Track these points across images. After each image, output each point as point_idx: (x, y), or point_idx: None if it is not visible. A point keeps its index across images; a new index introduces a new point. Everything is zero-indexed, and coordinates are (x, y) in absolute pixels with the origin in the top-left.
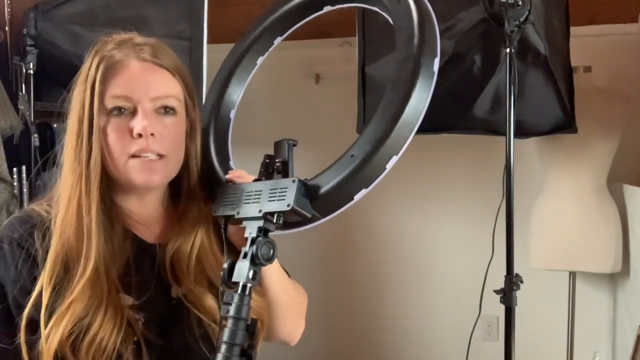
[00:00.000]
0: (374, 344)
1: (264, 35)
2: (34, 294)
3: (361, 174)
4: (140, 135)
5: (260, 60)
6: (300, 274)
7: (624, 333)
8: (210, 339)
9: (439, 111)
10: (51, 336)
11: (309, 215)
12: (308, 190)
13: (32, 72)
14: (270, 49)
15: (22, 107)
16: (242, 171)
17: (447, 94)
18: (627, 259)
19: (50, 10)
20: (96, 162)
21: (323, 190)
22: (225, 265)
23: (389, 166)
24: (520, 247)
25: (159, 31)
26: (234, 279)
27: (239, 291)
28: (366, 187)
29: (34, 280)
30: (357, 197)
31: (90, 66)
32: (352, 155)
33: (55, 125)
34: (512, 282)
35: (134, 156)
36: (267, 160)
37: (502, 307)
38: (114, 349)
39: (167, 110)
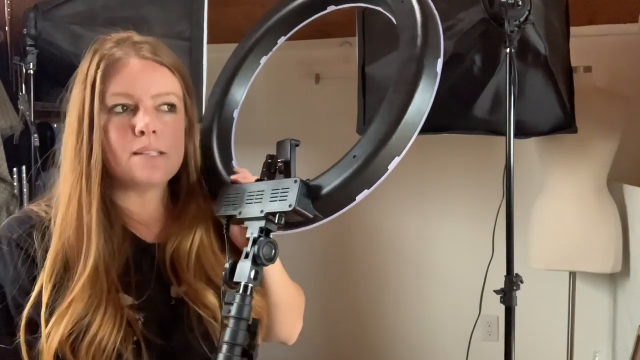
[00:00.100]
0: (373, 344)
1: (268, 35)
2: (34, 293)
3: (363, 174)
4: (142, 133)
5: (263, 59)
6: (300, 274)
7: (624, 333)
8: (210, 337)
9: (439, 111)
10: (51, 335)
11: (311, 216)
12: (310, 191)
13: (32, 72)
14: (274, 49)
15: (22, 107)
16: (246, 171)
17: (447, 94)
18: (627, 259)
19: (50, 10)
20: (97, 161)
21: (325, 190)
22: (227, 265)
23: (391, 167)
24: (520, 247)
25: (159, 31)
26: (235, 279)
27: (241, 291)
28: (368, 188)
29: (33, 280)
30: (359, 198)
31: (90, 65)
32: (354, 156)
33: (55, 125)
34: (512, 282)
35: (135, 153)
36: (270, 160)
37: (502, 307)
38: (114, 349)
39: (168, 107)
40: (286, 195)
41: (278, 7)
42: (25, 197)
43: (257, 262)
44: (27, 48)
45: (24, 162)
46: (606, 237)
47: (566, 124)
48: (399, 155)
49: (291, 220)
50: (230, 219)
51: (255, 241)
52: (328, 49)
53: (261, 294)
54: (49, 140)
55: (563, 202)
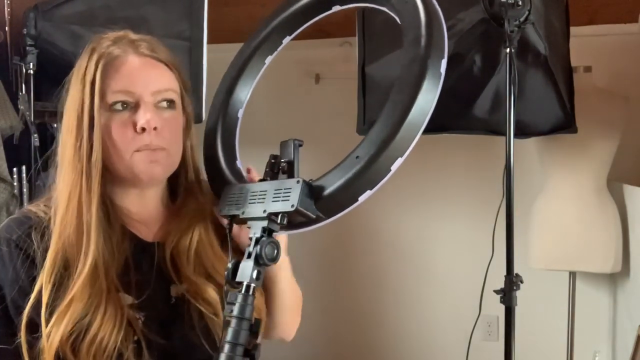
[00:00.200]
0: (373, 344)
1: (273, 35)
2: (34, 293)
3: (366, 175)
4: (143, 130)
5: (269, 59)
6: (300, 274)
7: (624, 333)
8: (212, 335)
9: (439, 111)
10: (52, 335)
11: (313, 216)
12: (312, 191)
13: (32, 72)
14: (279, 49)
15: (22, 107)
16: (255, 172)
17: (447, 94)
18: (627, 259)
19: (50, 10)
20: (97, 159)
21: (327, 191)
22: (230, 265)
23: (393, 168)
24: (520, 247)
25: (159, 31)
26: (237, 279)
27: (243, 291)
28: (371, 189)
29: (32, 281)
30: (361, 199)
31: (88, 64)
32: (357, 157)
33: (55, 125)
34: (512, 282)
35: (137, 151)
36: (273, 160)
37: (502, 307)
38: (115, 348)
39: (167, 103)
40: (289, 196)
41: (283, 6)
42: (25, 197)
43: (260, 262)
44: (27, 48)
45: (24, 162)
46: (606, 237)
47: (566, 124)
48: (402, 156)
49: (294, 220)
50: (234, 218)
51: (257, 241)
52: (328, 49)
53: (259, 293)
54: (49, 140)
55: (563, 202)
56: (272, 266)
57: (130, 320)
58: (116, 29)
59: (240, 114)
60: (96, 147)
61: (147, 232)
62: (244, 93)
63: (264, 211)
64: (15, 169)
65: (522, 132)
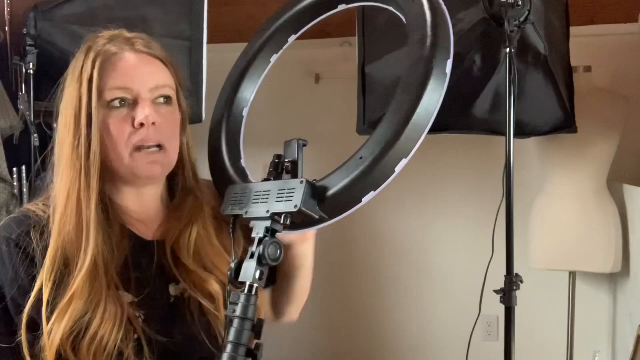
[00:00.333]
0: (374, 344)
1: (279, 34)
2: (34, 292)
3: (370, 176)
4: (142, 125)
5: (274, 58)
6: None
7: (624, 333)
8: (213, 332)
9: (439, 111)
10: (54, 332)
11: (317, 217)
12: (316, 192)
13: (32, 72)
14: (285, 47)
15: (22, 107)
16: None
17: (447, 94)
18: (627, 259)
19: (50, 10)
20: (96, 156)
21: (331, 192)
22: (233, 265)
23: (398, 169)
24: (520, 247)
25: (159, 31)
26: (240, 279)
27: (246, 291)
28: (375, 190)
29: (32, 279)
30: (365, 200)
31: (85, 62)
32: (360, 157)
33: (55, 125)
34: (512, 282)
35: (136, 149)
36: (277, 160)
37: (502, 307)
38: (115, 347)
39: (164, 99)
40: (292, 196)
41: (289, 5)
42: (25, 197)
43: (262, 263)
44: (27, 48)
45: (24, 162)
46: (606, 237)
47: (566, 124)
48: (406, 157)
49: (297, 221)
50: (237, 218)
51: (260, 241)
52: (328, 49)
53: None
54: (49, 140)
55: (563, 202)
56: (301, 254)
57: (130, 318)
58: (111, 28)
59: (245, 112)
60: (94, 144)
61: (147, 231)
62: (249, 92)
63: (267, 211)
64: (15, 169)
65: (522, 132)
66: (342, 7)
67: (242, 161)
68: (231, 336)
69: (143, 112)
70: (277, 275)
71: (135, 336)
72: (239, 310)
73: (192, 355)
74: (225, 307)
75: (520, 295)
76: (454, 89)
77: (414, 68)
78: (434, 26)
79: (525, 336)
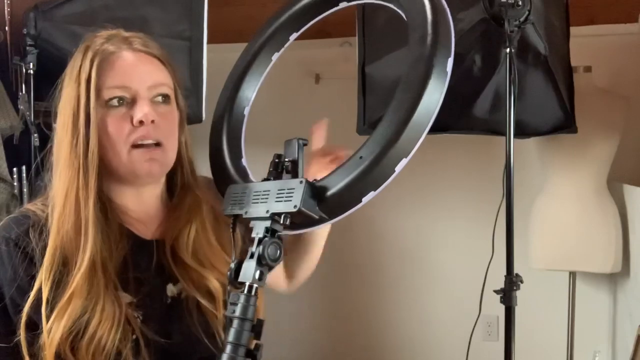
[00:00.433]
0: (373, 344)
1: (280, 32)
2: (33, 291)
3: (370, 176)
4: (141, 123)
5: (275, 56)
6: None
7: (624, 333)
8: (211, 331)
9: (439, 111)
10: (53, 330)
11: (316, 217)
12: (316, 192)
13: (32, 72)
14: (286, 46)
15: (22, 107)
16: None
17: (447, 93)
18: (627, 259)
19: (50, 10)
20: (94, 155)
21: (331, 192)
22: (232, 266)
23: (398, 169)
24: (520, 247)
25: (159, 31)
26: (240, 280)
27: (245, 292)
28: (375, 190)
29: (31, 279)
30: (365, 200)
31: (83, 61)
32: (360, 157)
33: (54, 125)
34: (512, 282)
35: (135, 146)
36: (276, 160)
37: (502, 307)
38: (113, 347)
39: (162, 98)
40: (291, 196)
41: (290, 3)
42: (25, 197)
43: (262, 263)
44: (27, 48)
45: (24, 162)
46: (606, 237)
47: (566, 124)
48: (406, 157)
49: (297, 221)
50: (237, 218)
51: (260, 241)
52: (328, 49)
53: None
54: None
55: (563, 202)
56: (318, 233)
57: (128, 318)
58: (109, 28)
59: (246, 111)
60: (92, 143)
61: (146, 230)
62: (250, 90)
63: (267, 211)
64: (15, 169)
65: (522, 132)
66: (343, 4)
67: (243, 160)
68: (230, 337)
69: (142, 110)
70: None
71: (134, 336)
72: (238, 310)
73: (190, 355)
74: (225, 306)
75: (520, 295)
76: (454, 88)
77: (414, 67)
78: (435, 24)
79: (525, 336)
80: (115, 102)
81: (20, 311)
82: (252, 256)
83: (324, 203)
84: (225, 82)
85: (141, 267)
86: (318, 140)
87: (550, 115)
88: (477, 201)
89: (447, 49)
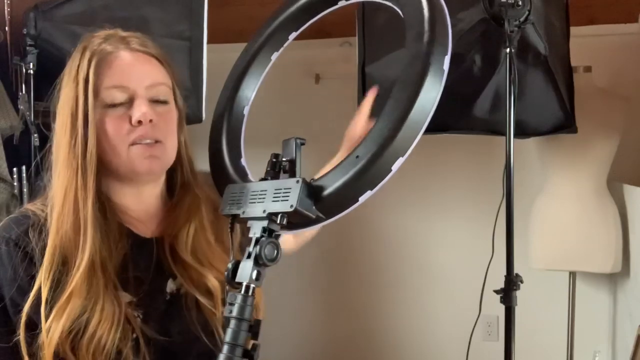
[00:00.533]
0: (374, 344)
1: (279, 31)
2: (33, 291)
3: (366, 175)
4: (139, 123)
5: (274, 56)
6: (300, 275)
7: (624, 333)
8: (210, 329)
9: (439, 111)
10: (52, 330)
11: (313, 217)
12: (312, 191)
13: (32, 72)
14: (285, 45)
15: (22, 107)
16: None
17: (447, 93)
18: (627, 259)
19: (50, 10)
20: (92, 155)
21: (327, 191)
22: (230, 266)
23: (394, 168)
24: (520, 247)
25: (159, 31)
26: (237, 280)
27: (243, 292)
28: (371, 189)
29: (31, 279)
30: (362, 199)
31: (81, 62)
32: (357, 156)
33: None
34: (512, 282)
35: (133, 144)
36: (274, 159)
37: (502, 307)
38: (114, 346)
39: (161, 97)
40: (288, 196)
41: (289, 2)
42: (25, 197)
43: (259, 263)
44: (27, 48)
45: (24, 162)
46: (606, 237)
47: (566, 124)
48: (403, 156)
49: (294, 220)
50: (235, 218)
51: (257, 241)
52: (328, 49)
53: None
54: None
55: (563, 202)
56: None
57: (128, 318)
58: (106, 28)
59: (246, 111)
60: (91, 143)
61: (145, 229)
62: (250, 90)
63: (264, 211)
64: (15, 169)
65: (522, 132)
66: (341, 3)
67: (243, 160)
68: (227, 337)
69: (140, 110)
70: None
71: (134, 335)
72: (235, 310)
73: (189, 352)
74: (224, 304)
75: (520, 295)
76: (454, 89)
77: (410, 65)
78: (432, 22)
79: (525, 336)
80: (113, 102)
81: (20, 311)
82: (249, 256)
83: (321, 202)
84: (225, 82)
85: (141, 266)
86: (367, 105)
87: (550, 115)
88: (477, 201)
89: (444, 46)
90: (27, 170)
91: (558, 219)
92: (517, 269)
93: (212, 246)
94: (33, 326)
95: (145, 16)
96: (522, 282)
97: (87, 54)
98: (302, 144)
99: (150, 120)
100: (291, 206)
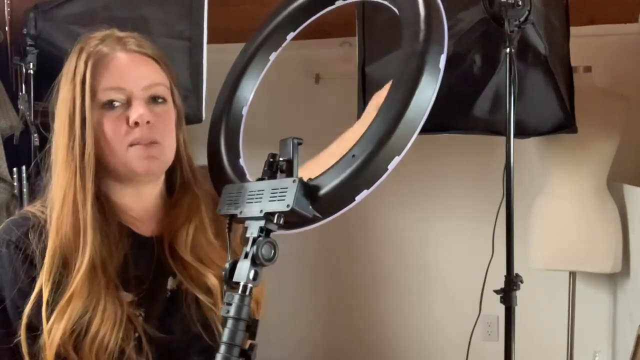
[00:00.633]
0: (374, 344)
1: (277, 31)
2: (34, 293)
3: (362, 174)
4: (136, 124)
5: (273, 56)
6: (299, 274)
7: (624, 333)
8: (210, 326)
9: (439, 111)
10: (53, 331)
11: (310, 216)
12: (309, 191)
13: (32, 72)
14: (283, 45)
15: (22, 107)
16: None
17: (447, 94)
18: (627, 259)
19: (50, 10)
20: (90, 157)
21: (324, 190)
22: (227, 265)
23: (390, 167)
24: (520, 247)
25: (159, 31)
26: (234, 279)
27: (240, 291)
28: (367, 188)
29: (32, 281)
30: (358, 198)
31: (78, 63)
32: (353, 155)
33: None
34: (512, 282)
35: (131, 145)
36: (271, 159)
37: (502, 307)
38: (116, 345)
39: (158, 99)
40: (285, 195)
41: (287, 2)
42: (25, 197)
43: (256, 262)
44: (27, 48)
45: (24, 162)
46: (606, 237)
47: (566, 124)
48: (399, 155)
49: (291, 220)
50: (232, 218)
51: (254, 241)
52: (328, 49)
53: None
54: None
55: (563, 202)
56: None
57: (130, 317)
58: (103, 28)
59: (244, 111)
60: (89, 145)
61: (145, 228)
62: (248, 90)
63: (261, 211)
64: (15, 169)
65: (522, 132)
66: (339, 3)
67: (241, 160)
68: (225, 337)
69: (137, 111)
70: None
71: (136, 334)
72: (232, 310)
73: (190, 349)
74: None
75: (520, 295)
76: (454, 89)
77: (406, 64)
78: (428, 21)
79: (525, 336)
80: (110, 104)
81: (21, 313)
82: (246, 256)
83: (318, 202)
84: (223, 82)
85: (141, 266)
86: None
87: (550, 115)
88: (477, 201)
89: (440, 45)
90: (27, 170)
91: (558, 219)
92: (517, 269)
93: (213, 244)
94: (34, 328)
95: (145, 16)
96: (522, 282)
97: (84, 56)
98: (299, 144)
99: (148, 122)
100: (287, 206)
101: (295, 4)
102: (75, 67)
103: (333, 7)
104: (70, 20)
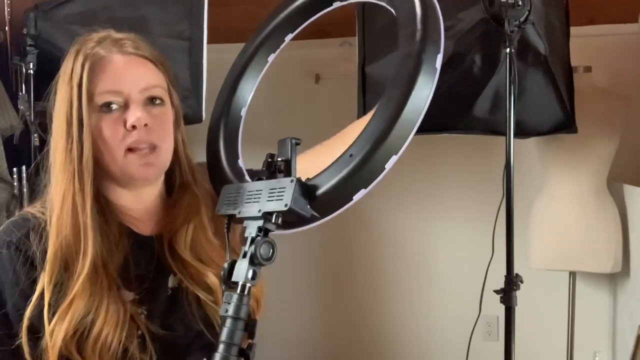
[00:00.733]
0: (373, 344)
1: (275, 33)
2: (35, 295)
3: (360, 174)
4: (134, 127)
5: (271, 57)
6: (299, 274)
7: (624, 333)
8: (212, 323)
9: (439, 111)
10: (55, 332)
11: (308, 216)
12: (306, 190)
13: (32, 72)
14: (282, 46)
15: (22, 107)
16: None
17: (447, 94)
18: (627, 259)
19: (50, 10)
20: (88, 159)
21: (321, 190)
22: (226, 265)
23: (388, 166)
24: (520, 247)
25: (159, 31)
26: (233, 279)
27: (238, 291)
28: (365, 188)
29: (32, 283)
30: (356, 198)
31: (74, 65)
32: (350, 155)
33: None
34: (512, 282)
35: (130, 150)
36: (270, 159)
37: (502, 307)
38: (120, 344)
39: (155, 100)
40: (282, 195)
41: (285, 4)
42: (25, 197)
43: (255, 262)
44: (27, 48)
45: (24, 162)
46: (606, 237)
47: (566, 124)
48: (396, 154)
49: (289, 219)
50: (231, 218)
51: (253, 240)
52: (328, 49)
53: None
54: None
55: (563, 202)
56: None
57: (133, 315)
58: (100, 30)
59: (243, 112)
60: (87, 148)
61: (145, 227)
62: (247, 91)
63: (259, 211)
64: (15, 169)
65: (522, 132)
66: (337, 4)
67: (240, 161)
68: (223, 336)
69: (134, 114)
70: None
71: (139, 332)
72: (231, 309)
73: (192, 346)
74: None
75: (520, 295)
76: (454, 89)
77: (403, 63)
78: (424, 20)
79: (525, 336)
80: (107, 106)
81: (22, 314)
82: (244, 255)
83: (315, 201)
84: (222, 84)
85: (142, 265)
86: None
87: (550, 115)
88: (477, 201)
89: (437, 44)
90: (27, 170)
91: (558, 219)
92: (517, 269)
93: (212, 244)
94: (35, 330)
95: (145, 16)
96: (522, 282)
97: (80, 58)
98: (297, 144)
99: (146, 125)
100: (285, 205)
101: (293, 6)
102: (72, 69)
103: (331, 8)
104: (70, 20)
